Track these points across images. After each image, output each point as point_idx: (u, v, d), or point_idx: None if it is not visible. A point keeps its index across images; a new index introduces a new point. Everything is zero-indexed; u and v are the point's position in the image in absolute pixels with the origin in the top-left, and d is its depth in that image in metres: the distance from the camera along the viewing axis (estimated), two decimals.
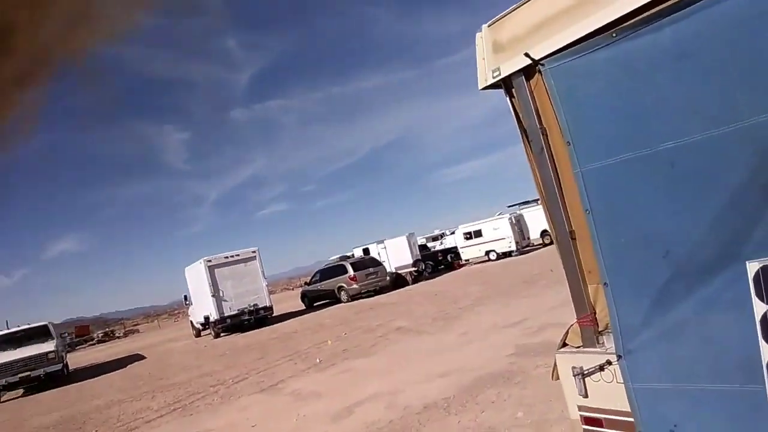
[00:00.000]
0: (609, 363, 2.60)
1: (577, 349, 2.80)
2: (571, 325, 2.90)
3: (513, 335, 10.20)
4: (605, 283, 2.55)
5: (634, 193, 2.39)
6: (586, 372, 2.69)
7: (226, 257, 24.84)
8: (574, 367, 2.73)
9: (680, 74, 2.17)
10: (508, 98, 2.86)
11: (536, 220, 34.83)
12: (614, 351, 2.55)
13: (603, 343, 2.72)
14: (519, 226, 34.20)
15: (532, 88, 2.70)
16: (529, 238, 35.73)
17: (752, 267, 2.11)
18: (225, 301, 24.07)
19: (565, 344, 2.90)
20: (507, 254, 33.24)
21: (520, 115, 2.81)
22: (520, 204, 38.86)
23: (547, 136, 2.72)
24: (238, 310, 24.16)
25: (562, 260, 2.81)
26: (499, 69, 2.77)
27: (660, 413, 2.43)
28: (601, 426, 2.72)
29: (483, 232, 34.09)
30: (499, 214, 35.50)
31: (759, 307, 2.10)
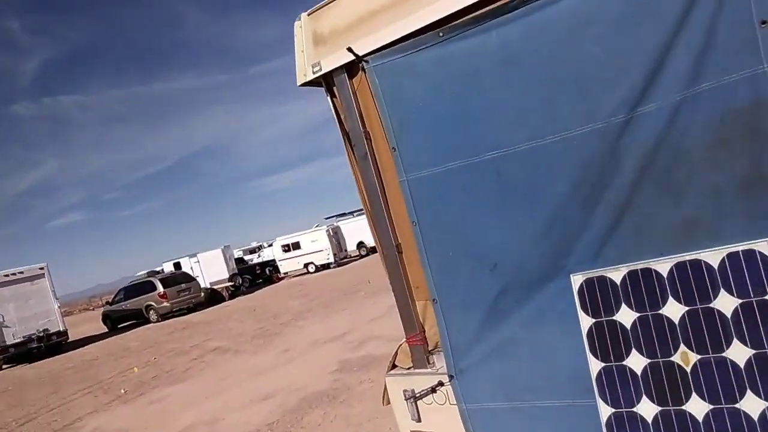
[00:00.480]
0: (441, 384, 2.46)
1: (408, 371, 2.61)
2: (400, 345, 2.70)
3: (335, 350, 10.04)
4: (434, 300, 2.41)
5: (461, 203, 2.27)
6: (417, 395, 2.51)
7: (7, 275, 21.63)
8: (405, 391, 2.55)
9: (506, 80, 2.08)
10: (329, 97, 2.57)
11: (353, 232, 35.79)
12: (446, 371, 2.42)
13: (434, 363, 2.56)
14: (336, 238, 34.72)
15: (356, 87, 2.45)
16: (346, 250, 36.40)
17: (576, 280, 2.11)
18: (7, 327, 20.91)
19: (394, 366, 2.69)
20: (325, 266, 33.47)
21: (343, 117, 2.54)
22: (337, 216, 39.50)
23: (371, 140, 2.49)
24: (24, 336, 21.10)
25: (388, 276, 2.60)
26: (319, 64, 2.47)
27: None
28: None
29: (301, 245, 33.95)
30: (316, 226, 35.68)
31: (585, 321, 2.10)
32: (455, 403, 2.39)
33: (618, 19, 1.85)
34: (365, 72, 2.34)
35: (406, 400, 2.54)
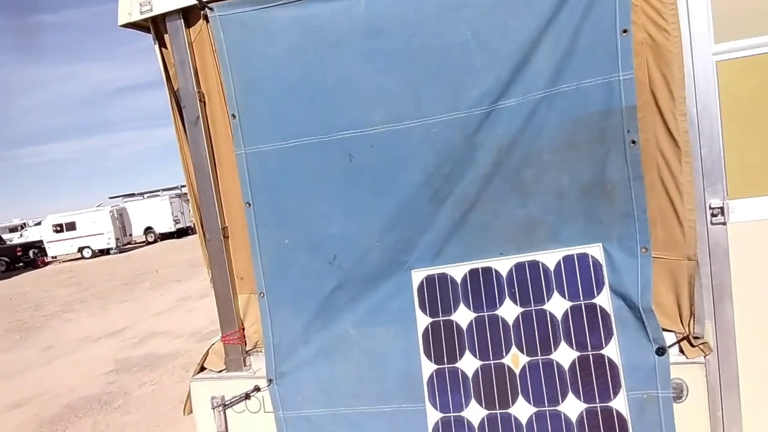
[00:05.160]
0: (257, 389, 2.21)
1: (219, 374, 2.30)
2: (213, 344, 2.37)
3: (112, 348, 8.94)
4: (261, 293, 2.17)
5: (305, 186, 2.07)
6: (228, 402, 2.22)
7: None
8: (213, 398, 2.25)
9: (369, 54, 1.93)
10: (157, 46, 2.15)
11: (141, 216, 32.96)
12: (264, 375, 2.20)
13: (251, 365, 2.30)
14: (121, 221, 31.56)
15: (193, 38, 2.09)
16: (131, 235, 33.32)
17: (417, 276, 2.06)
18: None
19: (203, 368, 2.35)
20: (105, 251, 30.25)
21: (172, 73, 2.15)
22: (124, 196, 36.08)
23: (205, 103, 2.14)
24: None
25: (209, 264, 2.27)
26: (150, 3, 2.05)
27: None
28: None
29: (77, 225, 30.13)
30: (98, 206, 32.09)
31: (421, 320, 2.04)
32: (271, 410, 2.19)
33: (493, 6, 1.80)
34: (207, 21, 2.02)
35: (213, 408, 2.24)
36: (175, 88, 2.16)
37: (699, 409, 1.77)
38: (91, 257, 29.78)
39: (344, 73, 1.95)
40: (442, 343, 2.00)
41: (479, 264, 1.98)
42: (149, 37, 2.16)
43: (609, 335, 1.83)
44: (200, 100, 2.12)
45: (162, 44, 2.14)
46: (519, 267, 1.94)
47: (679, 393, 1.78)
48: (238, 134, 2.06)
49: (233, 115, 2.06)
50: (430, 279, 2.03)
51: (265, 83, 2.02)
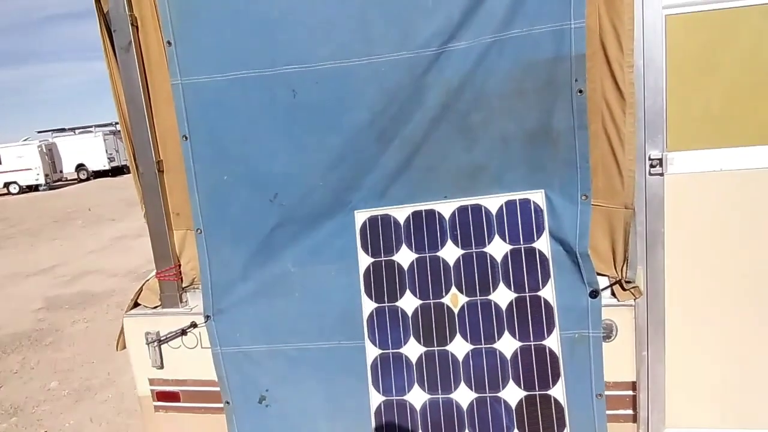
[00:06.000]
0: (194, 325, 2.18)
1: (154, 311, 2.25)
2: (147, 280, 2.31)
3: (42, 285, 8.64)
4: (198, 230, 2.11)
5: (246, 121, 1.99)
6: (163, 338, 2.19)
7: None
8: (148, 333, 2.21)
9: None
10: None
11: (72, 152, 31.47)
12: (201, 311, 2.17)
13: (187, 301, 2.25)
14: (51, 157, 30.07)
15: None
16: (62, 172, 31.86)
17: (360, 217, 2.05)
18: None
19: (136, 304, 2.29)
20: (34, 188, 28.84)
21: None
22: (54, 131, 34.19)
23: (137, 28, 1.99)
24: None
25: (143, 199, 2.18)
26: None
27: (251, 379, 2.18)
28: (178, 400, 2.29)
29: (2, 159, 28.53)
30: (25, 140, 30.35)
31: (363, 260, 2.03)
32: (208, 346, 2.17)
33: None
34: None
35: (148, 344, 2.20)
36: (105, 11, 2.00)
37: (626, 348, 1.86)
38: (18, 193, 28.36)
39: (290, 4, 1.85)
40: (383, 282, 2.01)
41: (422, 206, 1.98)
42: None
43: (546, 278, 1.88)
44: (132, 24, 1.97)
45: None
46: (462, 210, 1.95)
47: (608, 333, 1.86)
48: (174, 63, 1.94)
49: (168, 42, 1.93)
50: (373, 220, 2.02)
51: (204, 9, 1.89)
